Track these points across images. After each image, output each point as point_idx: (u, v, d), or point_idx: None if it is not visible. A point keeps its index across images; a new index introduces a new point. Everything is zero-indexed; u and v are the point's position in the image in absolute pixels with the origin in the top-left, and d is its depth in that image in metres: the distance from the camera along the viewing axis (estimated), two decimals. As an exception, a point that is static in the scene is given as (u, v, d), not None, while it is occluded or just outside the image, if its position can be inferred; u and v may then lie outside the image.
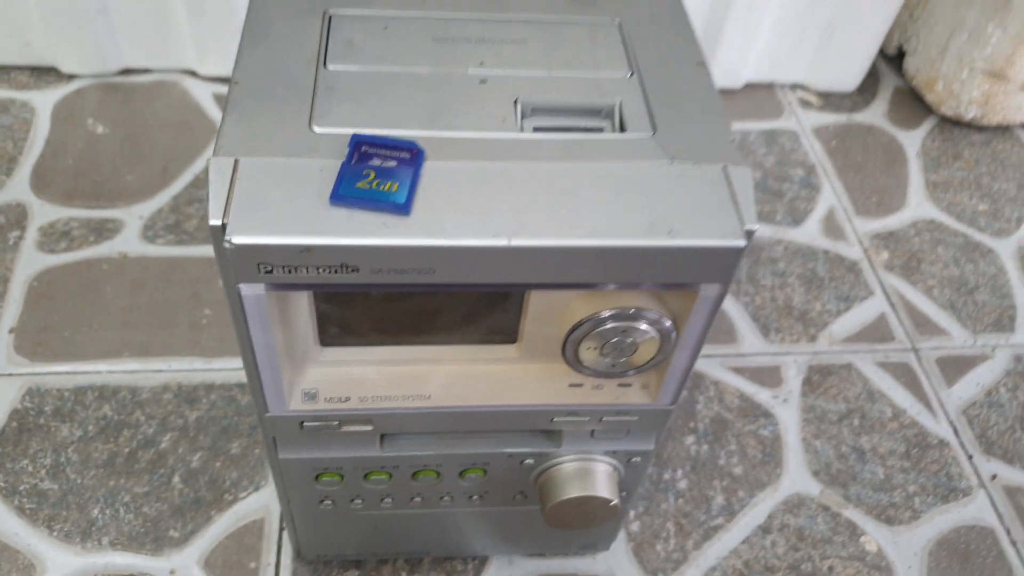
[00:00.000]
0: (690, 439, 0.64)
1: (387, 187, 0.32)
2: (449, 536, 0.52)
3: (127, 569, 0.54)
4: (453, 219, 0.31)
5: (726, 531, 0.60)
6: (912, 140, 0.94)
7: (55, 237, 0.72)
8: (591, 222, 0.32)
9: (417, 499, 0.47)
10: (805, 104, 0.96)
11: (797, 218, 0.83)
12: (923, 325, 0.75)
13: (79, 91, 0.86)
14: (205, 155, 0.81)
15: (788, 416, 0.67)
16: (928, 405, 0.69)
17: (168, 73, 0.89)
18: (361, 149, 0.33)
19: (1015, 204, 0.88)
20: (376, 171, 0.32)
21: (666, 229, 0.33)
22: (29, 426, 0.60)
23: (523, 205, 0.32)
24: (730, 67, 0.94)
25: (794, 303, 0.75)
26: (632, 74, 0.39)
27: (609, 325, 0.36)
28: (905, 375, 0.71)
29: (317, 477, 0.44)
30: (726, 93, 0.95)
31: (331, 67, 0.37)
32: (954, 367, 0.72)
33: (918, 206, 0.86)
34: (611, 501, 0.44)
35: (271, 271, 0.31)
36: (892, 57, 1.03)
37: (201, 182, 0.78)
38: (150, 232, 0.73)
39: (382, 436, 0.43)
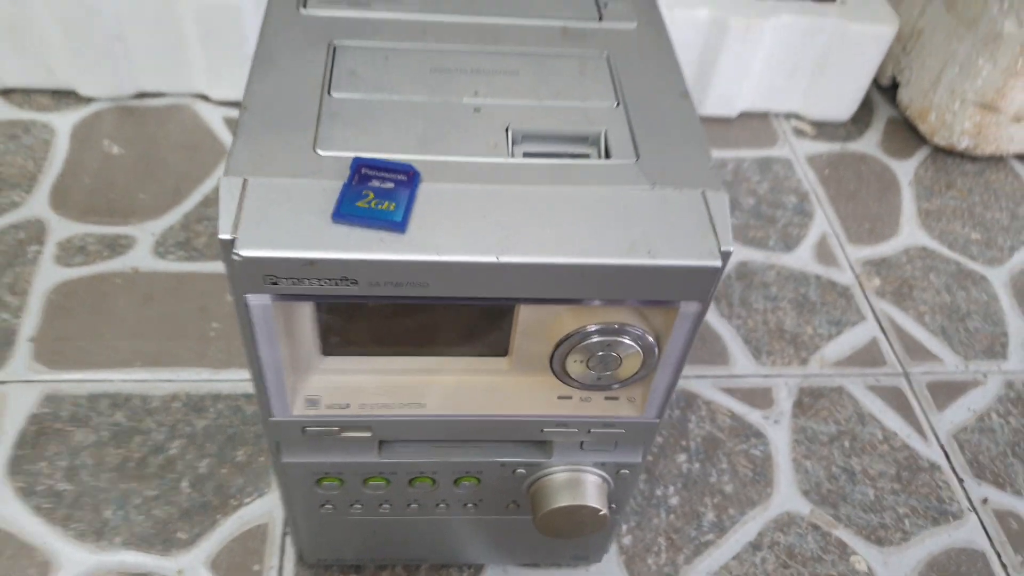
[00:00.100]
0: (682, 457, 0.66)
1: (385, 206, 0.34)
2: (445, 544, 0.54)
3: (138, 568, 0.56)
4: (446, 237, 0.34)
5: (717, 547, 0.61)
6: (905, 169, 0.96)
7: (72, 251, 0.75)
8: (575, 241, 0.35)
9: (414, 505, 0.49)
10: (799, 133, 0.98)
11: (790, 244, 0.85)
12: (914, 350, 0.77)
13: (96, 113, 0.89)
14: (215, 175, 0.84)
15: (779, 436, 0.68)
16: (919, 429, 0.71)
17: (180, 97, 0.92)
18: (361, 171, 0.35)
19: (1008, 233, 0.90)
20: (375, 192, 0.35)
21: (646, 249, 0.35)
22: (47, 430, 0.63)
23: (511, 225, 0.35)
24: (725, 97, 0.96)
25: (786, 327, 0.77)
26: (618, 104, 0.41)
27: (595, 339, 0.38)
28: (896, 399, 0.72)
29: (318, 481, 0.46)
30: (721, 122, 0.98)
31: (335, 95, 0.39)
32: (945, 392, 0.74)
33: (910, 234, 0.88)
34: (600, 511, 0.46)
35: (276, 283, 0.33)
36: (886, 88, 1.05)
37: (210, 201, 0.81)
38: (161, 248, 0.76)
39: (380, 443, 0.45)
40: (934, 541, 0.63)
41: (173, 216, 0.79)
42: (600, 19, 0.46)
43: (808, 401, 0.71)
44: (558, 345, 0.39)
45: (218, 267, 0.75)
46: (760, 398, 0.71)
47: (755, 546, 0.61)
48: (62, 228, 0.77)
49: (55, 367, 0.66)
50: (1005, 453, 0.70)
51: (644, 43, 0.45)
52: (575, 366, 0.40)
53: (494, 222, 0.35)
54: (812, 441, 0.68)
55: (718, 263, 0.35)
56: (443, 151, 0.37)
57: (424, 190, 0.35)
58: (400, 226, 0.34)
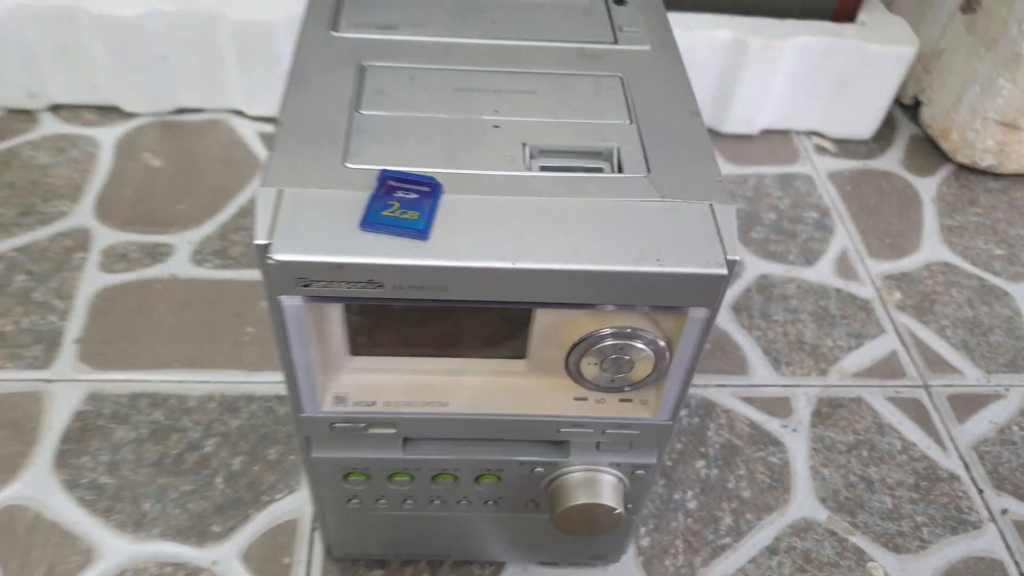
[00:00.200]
0: (700, 463, 0.68)
1: (409, 215, 0.37)
2: (467, 540, 0.56)
3: (174, 558, 0.59)
4: (465, 244, 0.36)
5: (733, 551, 0.63)
6: (927, 186, 0.97)
7: (114, 259, 0.79)
8: (587, 249, 0.37)
9: (437, 502, 0.51)
10: (821, 150, 0.99)
11: (810, 258, 0.86)
12: (935, 363, 0.77)
13: (138, 128, 0.93)
14: (250, 187, 0.87)
15: (797, 445, 0.70)
16: (939, 440, 0.71)
17: (218, 113, 0.96)
18: (387, 183, 0.38)
19: (1032, 250, 0.90)
20: (400, 202, 0.37)
21: (655, 257, 0.37)
22: (90, 427, 0.66)
23: (527, 233, 0.37)
24: (746, 115, 0.98)
25: (805, 338, 0.78)
26: (631, 122, 0.43)
27: (608, 342, 0.40)
28: (915, 410, 0.73)
29: (346, 476, 0.49)
30: (743, 139, 0.99)
31: (364, 112, 0.42)
32: (966, 405, 0.74)
33: (932, 249, 0.89)
34: (615, 510, 0.48)
35: (308, 285, 0.36)
36: (909, 107, 1.06)
37: (246, 212, 0.84)
38: (199, 256, 0.80)
39: (405, 440, 0.47)
40: (952, 550, 0.64)
41: (210, 226, 0.83)
42: (616, 42, 0.49)
43: (826, 411, 0.72)
44: (573, 348, 0.41)
45: (252, 274, 0.78)
46: (779, 407, 0.72)
47: (771, 550, 0.63)
48: (106, 236, 0.81)
49: (98, 367, 0.70)
50: (1025, 465, 0.70)
51: (657, 65, 0.48)
52: (589, 368, 0.42)
53: (511, 230, 0.37)
54: (830, 450, 0.70)
55: (724, 271, 0.37)
56: (464, 165, 0.40)
57: (446, 201, 0.38)
58: (423, 234, 0.36)
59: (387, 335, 0.42)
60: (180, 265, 0.79)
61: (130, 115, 0.94)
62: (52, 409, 0.67)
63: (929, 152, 1.01)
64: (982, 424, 0.73)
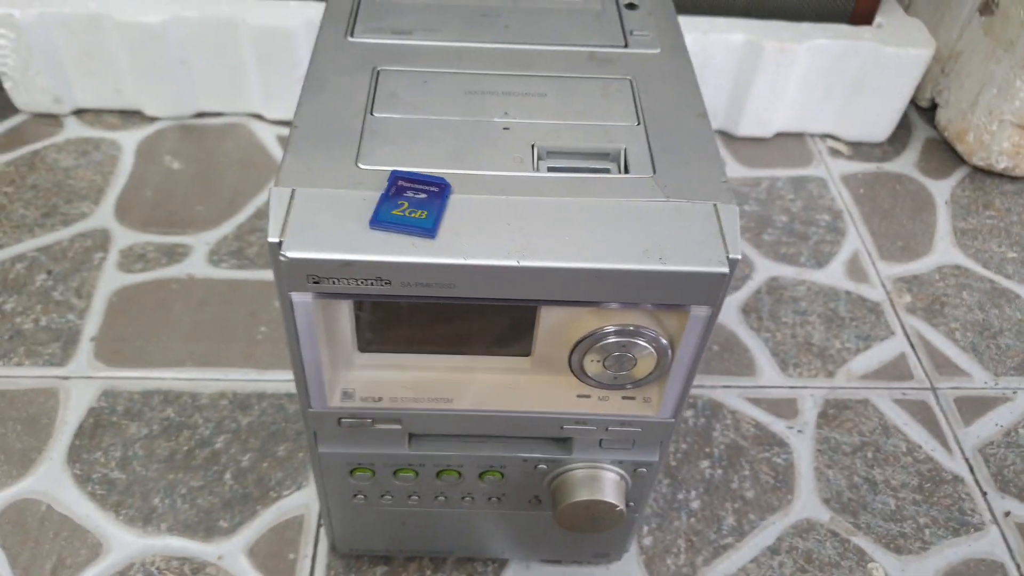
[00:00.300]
0: (705, 463, 0.68)
1: (418, 215, 0.37)
2: (471, 537, 0.57)
3: (181, 552, 0.60)
4: (472, 242, 0.37)
5: (735, 550, 0.63)
6: (942, 188, 0.97)
7: (132, 259, 0.80)
8: (591, 248, 0.37)
9: (441, 498, 0.52)
10: (835, 153, 1.00)
11: (821, 260, 0.86)
12: (943, 366, 0.77)
13: (159, 132, 0.95)
14: (267, 190, 0.89)
15: (802, 446, 0.70)
16: (944, 442, 0.71)
17: (237, 117, 0.97)
18: (398, 183, 0.39)
19: (1045, 253, 0.90)
20: (409, 201, 0.38)
21: (658, 256, 0.38)
22: (103, 423, 0.67)
23: (533, 232, 0.38)
24: (760, 118, 0.98)
25: (814, 340, 0.78)
26: (639, 124, 0.44)
27: (611, 340, 0.41)
28: (922, 412, 0.73)
29: (352, 472, 0.49)
30: (757, 142, 1.00)
31: (377, 114, 0.43)
32: (973, 407, 0.74)
33: (944, 252, 0.89)
34: (617, 507, 0.49)
35: (318, 282, 0.37)
36: (925, 109, 1.06)
37: (262, 213, 0.86)
38: (215, 257, 0.81)
39: (410, 436, 0.48)
40: (953, 551, 0.64)
41: (227, 227, 0.84)
42: (626, 46, 0.49)
43: (833, 412, 0.73)
44: (576, 345, 0.42)
45: (267, 275, 0.80)
46: (785, 408, 0.73)
47: (773, 550, 0.63)
48: (125, 237, 0.82)
49: (113, 365, 0.71)
50: (1030, 468, 0.70)
51: (667, 68, 0.48)
52: (592, 366, 0.42)
53: (517, 230, 0.38)
54: (835, 451, 0.70)
55: (725, 269, 0.37)
56: (473, 166, 0.41)
57: (454, 200, 0.39)
58: (431, 232, 0.37)
59: (395, 332, 0.43)
60: (197, 265, 0.80)
61: (152, 119, 0.96)
62: (67, 405, 0.68)
63: (945, 154, 1.01)
64: (988, 427, 0.73)
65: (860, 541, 0.64)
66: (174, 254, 0.81)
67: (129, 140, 0.93)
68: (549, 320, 0.42)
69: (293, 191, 0.38)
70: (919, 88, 1.04)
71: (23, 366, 0.71)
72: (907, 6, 1.02)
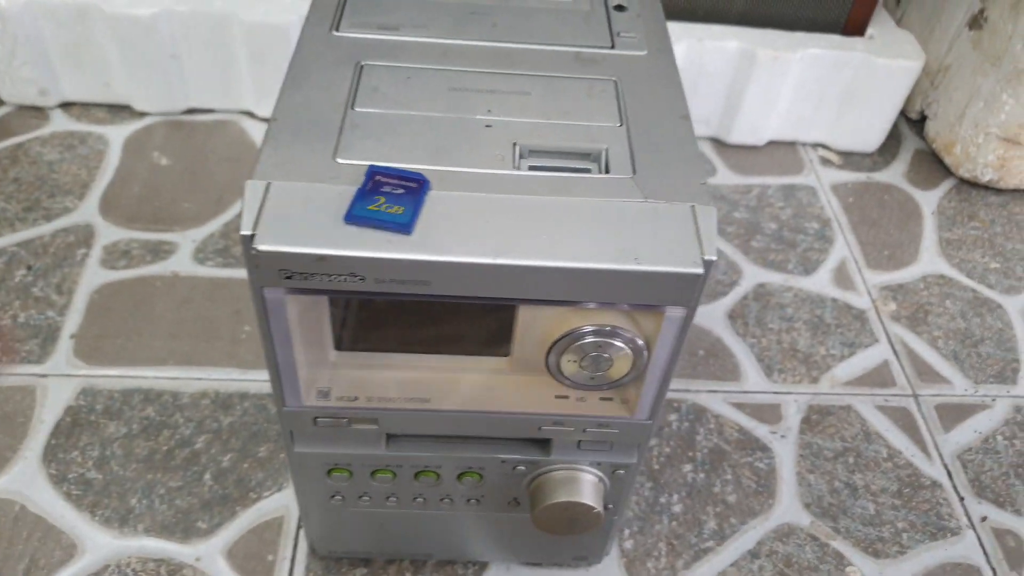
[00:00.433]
0: (688, 467, 0.68)
1: (394, 210, 0.37)
2: (451, 539, 0.56)
3: (157, 554, 0.60)
4: (448, 239, 0.37)
5: (716, 554, 0.63)
6: (929, 199, 0.97)
7: (116, 255, 0.80)
8: (567, 247, 0.37)
9: (419, 500, 0.52)
10: (826, 162, 1.00)
11: (808, 268, 0.86)
12: (925, 373, 0.78)
13: (148, 127, 0.94)
14: (254, 187, 0.88)
15: (784, 451, 0.70)
16: (924, 448, 0.71)
17: (228, 113, 0.97)
18: (375, 178, 0.39)
19: (1028, 263, 0.90)
20: (386, 196, 0.38)
21: (633, 256, 0.37)
22: (81, 422, 0.67)
23: (510, 230, 0.37)
24: (753, 126, 0.98)
25: (799, 346, 0.78)
26: (621, 124, 0.44)
27: (588, 340, 0.41)
28: (903, 419, 0.73)
29: (329, 472, 0.49)
30: (748, 149, 1.00)
31: (358, 109, 0.43)
32: (953, 414, 0.75)
33: (929, 262, 0.89)
34: (594, 508, 0.48)
35: (290, 277, 0.37)
36: (915, 121, 1.06)
37: (251, 212, 0.85)
38: (201, 254, 0.80)
39: (388, 437, 0.48)
40: (930, 555, 0.64)
41: (214, 225, 0.84)
42: (613, 47, 0.49)
43: (816, 418, 0.73)
44: (553, 345, 0.41)
45: (252, 273, 0.79)
46: (768, 414, 0.72)
47: (753, 554, 0.63)
48: (109, 233, 0.82)
49: (93, 363, 0.71)
50: (1008, 474, 0.70)
51: (652, 69, 0.48)
52: (569, 366, 0.42)
53: (494, 227, 0.38)
54: (817, 456, 0.70)
55: (700, 270, 0.37)
56: (454, 162, 0.40)
57: (432, 197, 0.38)
58: (407, 228, 0.37)
59: (371, 331, 0.43)
60: (182, 263, 0.80)
61: (141, 114, 0.96)
62: (44, 404, 0.68)
63: (932, 166, 1.01)
64: (967, 433, 0.73)
65: (839, 545, 0.64)
66: (159, 251, 0.81)
67: (116, 135, 0.93)
68: (527, 319, 0.42)
69: (268, 184, 0.38)
70: (909, 100, 1.04)
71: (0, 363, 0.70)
72: (899, 19, 1.03)
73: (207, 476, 0.64)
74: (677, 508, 0.65)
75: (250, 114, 0.97)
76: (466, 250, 0.36)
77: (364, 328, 0.43)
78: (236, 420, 0.68)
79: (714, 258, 0.38)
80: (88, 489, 0.63)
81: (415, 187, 0.39)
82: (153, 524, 0.61)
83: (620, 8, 0.53)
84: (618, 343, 0.41)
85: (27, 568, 0.58)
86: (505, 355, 0.44)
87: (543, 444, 0.48)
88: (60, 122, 0.94)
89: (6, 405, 0.67)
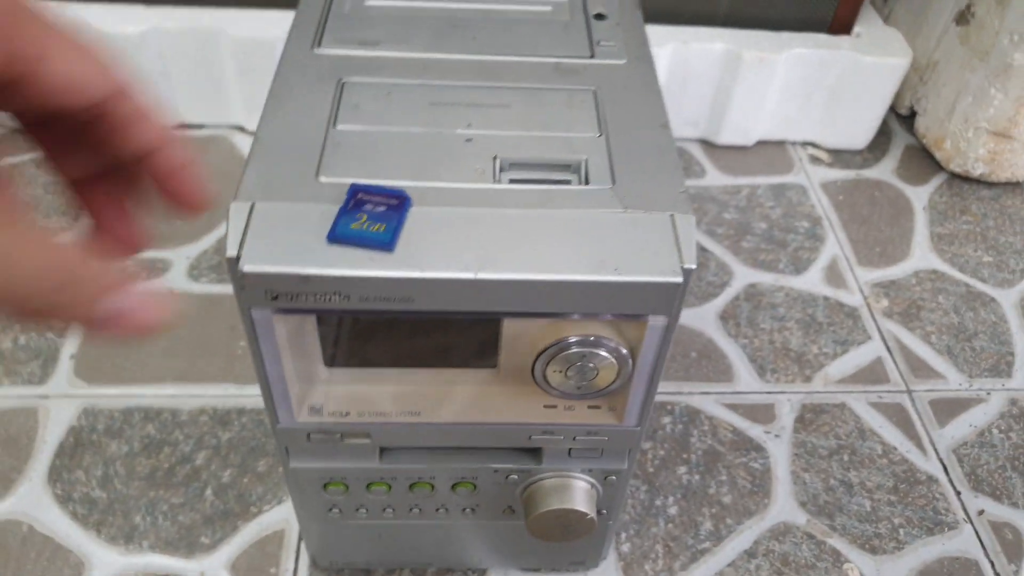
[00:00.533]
0: (682, 469, 0.68)
1: (376, 228, 0.38)
2: (449, 548, 0.57)
3: (163, 570, 0.60)
4: (430, 255, 0.37)
5: (712, 555, 0.63)
6: (920, 195, 0.97)
7: (113, 275, 0.80)
8: (547, 259, 0.38)
9: (415, 510, 0.52)
10: (815, 161, 1.00)
11: (799, 267, 0.87)
12: (919, 369, 0.78)
13: (140, 145, 0.95)
14: (248, 203, 0.89)
15: (779, 450, 0.70)
16: (919, 444, 0.72)
17: (219, 129, 0.97)
18: (357, 196, 0.39)
19: (1020, 256, 0.90)
20: (368, 215, 0.38)
21: (613, 266, 0.38)
22: (84, 441, 0.67)
23: (491, 245, 0.38)
24: (741, 126, 0.99)
25: (791, 346, 0.79)
26: (600, 134, 0.44)
27: (572, 350, 0.41)
28: (897, 415, 0.74)
29: (325, 486, 0.50)
30: (737, 150, 1.00)
31: (340, 127, 0.43)
32: (947, 409, 0.75)
33: (921, 257, 0.89)
34: (587, 515, 0.49)
35: (276, 297, 0.37)
36: (905, 117, 1.07)
37: (245, 228, 0.86)
38: (195, 271, 0.81)
39: (381, 450, 0.48)
40: (928, 550, 0.65)
41: (207, 241, 0.84)
42: (592, 56, 0.50)
43: (810, 417, 0.73)
44: (538, 356, 0.42)
45: (247, 289, 0.80)
46: (762, 414, 0.73)
47: (750, 554, 0.63)
48: (105, 253, 0.82)
49: (93, 382, 0.71)
50: (1004, 467, 0.71)
51: (631, 78, 0.49)
52: (555, 376, 0.43)
53: (475, 242, 0.38)
54: (812, 455, 0.70)
55: (679, 279, 0.38)
56: (435, 178, 0.41)
57: (414, 213, 0.39)
58: (389, 246, 0.37)
59: (360, 347, 0.43)
60: (176, 280, 0.80)
61: (131, 132, 0.96)
62: (47, 424, 0.68)
63: (923, 161, 1.01)
64: (962, 427, 0.73)
65: (836, 542, 0.65)
66: (154, 269, 0.81)
67: (109, 155, 0.93)
68: (512, 332, 0.42)
69: (252, 205, 0.38)
70: (899, 96, 1.05)
71: (2, 386, 0.71)
72: (886, 16, 1.03)
73: (208, 492, 0.65)
74: (673, 510, 0.66)
75: (240, 128, 0.97)
76: (447, 266, 0.37)
77: (353, 344, 0.43)
78: (234, 435, 0.68)
79: (694, 266, 0.38)
80: (93, 508, 0.64)
81: (397, 204, 0.39)
82: (157, 540, 0.62)
83: (600, 17, 0.54)
84: (602, 353, 0.41)
85: (33, 588, 0.59)
86: (493, 367, 0.45)
87: (534, 453, 0.49)
88: (54, 143, 0.94)
89: (10, 427, 0.68)
